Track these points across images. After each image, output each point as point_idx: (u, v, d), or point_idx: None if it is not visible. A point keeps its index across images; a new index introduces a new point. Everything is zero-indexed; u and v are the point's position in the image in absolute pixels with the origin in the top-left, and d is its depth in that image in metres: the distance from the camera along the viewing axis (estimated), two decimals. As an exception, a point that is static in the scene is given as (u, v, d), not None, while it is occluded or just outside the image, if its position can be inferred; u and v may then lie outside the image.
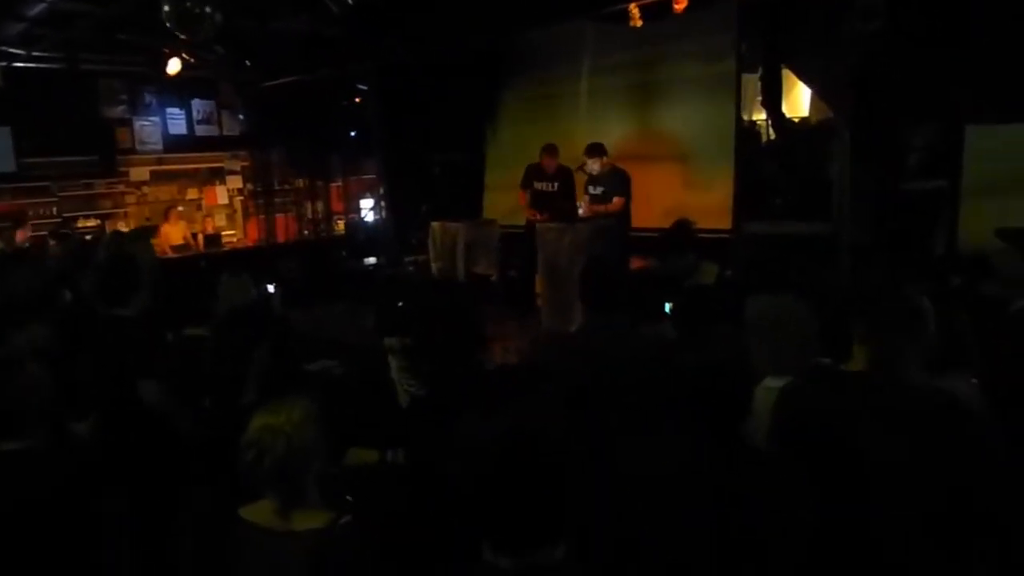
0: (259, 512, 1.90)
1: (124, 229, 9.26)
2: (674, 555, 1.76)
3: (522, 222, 7.49)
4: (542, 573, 1.35)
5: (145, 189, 9.94)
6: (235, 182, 10.93)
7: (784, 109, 7.88)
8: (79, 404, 2.67)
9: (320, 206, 11.83)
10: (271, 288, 6.76)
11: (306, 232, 11.60)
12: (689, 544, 1.74)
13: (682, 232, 5.38)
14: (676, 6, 6.29)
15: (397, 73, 8.62)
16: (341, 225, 11.89)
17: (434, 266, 7.24)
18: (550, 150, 7.10)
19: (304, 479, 1.87)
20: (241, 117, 10.78)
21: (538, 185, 7.23)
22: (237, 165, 10.91)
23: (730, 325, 2.42)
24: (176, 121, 10.19)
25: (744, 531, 1.71)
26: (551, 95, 8.65)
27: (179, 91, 9.90)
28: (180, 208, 9.84)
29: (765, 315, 2.48)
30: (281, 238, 11.22)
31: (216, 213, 10.69)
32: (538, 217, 7.02)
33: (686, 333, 2.28)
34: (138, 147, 9.82)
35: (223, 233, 10.44)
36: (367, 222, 11.08)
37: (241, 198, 10.99)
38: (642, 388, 1.91)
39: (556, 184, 7.16)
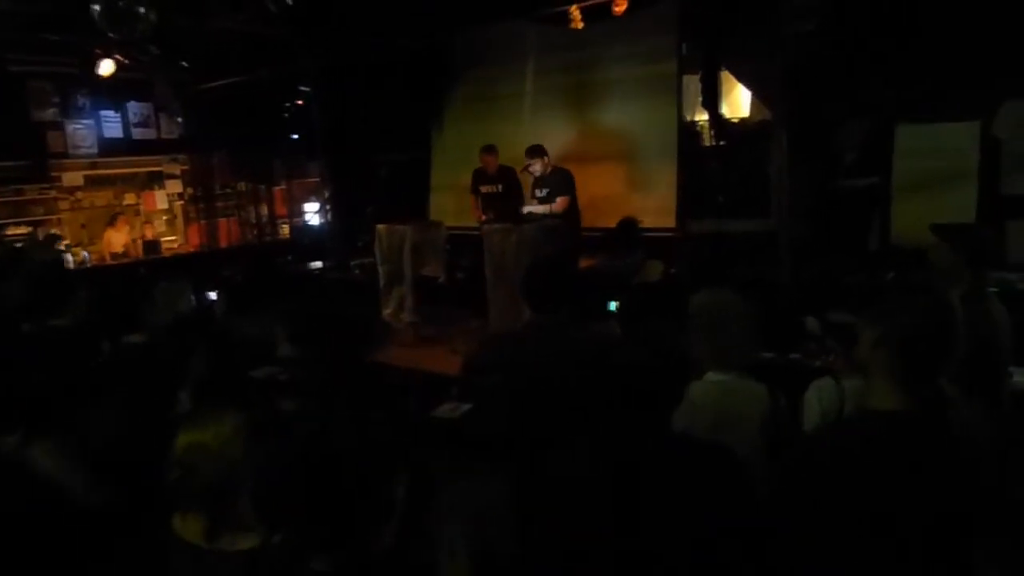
0: (189, 528, 1.78)
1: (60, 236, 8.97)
2: (619, 555, 1.75)
3: (469, 223, 7.50)
4: (360, 571, 1.36)
5: (79, 195, 9.63)
6: (175, 186, 10.66)
7: (725, 109, 8.04)
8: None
9: (264, 210, 11.63)
10: (213, 295, 6.62)
11: (250, 237, 11.39)
12: (634, 543, 1.73)
13: (627, 231, 5.46)
14: (616, 8, 6.37)
15: (340, 74, 8.52)
16: (286, 229, 11.71)
17: (381, 269, 7.16)
18: (488, 150, 7.15)
19: (234, 497, 1.75)
20: (179, 119, 10.52)
21: (484, 188, 7.29)
22: (176, 169, 10.65)
23: (673, 321, 2.45)
24: (111, 124, 9.90)
25: (688, 527, 1.71)
26: (495, 96, 8.66)
27: (114, 93, 9.61)
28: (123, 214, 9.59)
29: (708, 311, 2.52)
30: (224, 243, 10.99)
31: (155, 219, 10.41)
32: (484, 217, 7.06)
33: (629, 330, 2.30)
34: (71, 151, 9.50)
35: (163, 239, 10.18)
36: (312, 225, 10.92)
37: (181, 203, 10.73)
38: (582, 386, 1.90)
39: (500, 186, 7.21)
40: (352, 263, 8.62)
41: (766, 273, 5.89)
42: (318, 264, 9.25)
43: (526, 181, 7.08)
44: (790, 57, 5.83)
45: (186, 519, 1.79)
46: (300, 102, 9.95)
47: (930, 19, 5.41)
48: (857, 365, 1.89)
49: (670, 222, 7.19)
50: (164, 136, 10.47)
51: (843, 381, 2.50)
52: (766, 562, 1.72)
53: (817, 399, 2.48)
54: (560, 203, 6.66)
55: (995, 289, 4.26)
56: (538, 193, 6.87)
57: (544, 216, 6.69)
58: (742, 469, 1.84)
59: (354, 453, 1.40)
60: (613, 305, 4.64)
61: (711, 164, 7.65)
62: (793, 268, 5.85)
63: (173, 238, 10.53)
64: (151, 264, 8.84)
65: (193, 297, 4.10)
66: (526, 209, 6.84)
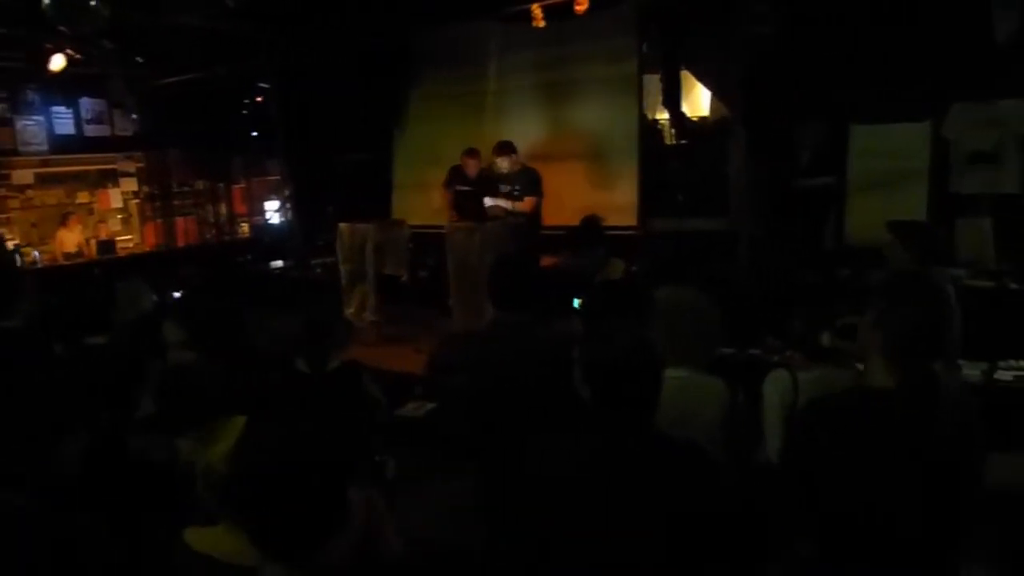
0: (212, 541, 1.66)
1: (8, 236, 8.73)
2: (590, 554, 1.76)
3: (432, 221, 7.48)
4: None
5: (30, 193, 9.37)
6: (130, 184, 10.43)
7: (685, 109, 8.15)
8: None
9: (222, 209, 11.45)
10: (177, 294, 6.51)
11: (208, 236, 11.21)
12: (605, 541, 1.74)
13: (590, 229, 5.49)
14: (577, 7, 6.41)
15: (300, 71, 8.44)
16: (246, 228, 11.55)
17: (343, 268, 7.12)
18: (472, 153, 7.13)
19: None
20: (135, 116, 10.29)
21: (460, 188, 7.30)
22: (132, 167, 10.42)
23: (634, 319, 2.48)
24: (63, 120, 9.64)
25: (660, 524, 1.73)
26: (458, 94, 8.64)
27: (66, 89, 9.36)
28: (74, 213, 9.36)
29: (668, 307, 2.56)
30: (181, 243, 10.80)
31: (110, 218, 10.18)
32: (456, 218, 7.06)
33: (592, 327, 2.32)
34: (21, 148, 9.23)
35: (118, 238, 9.96)
36: (273, 224, 10.80)
37: (137, 201, 10.50)
38: (546, 384, 1.92)
39: (477, 187, 7.21)
40: (313, 262, 8.55)
41: (725, 270, 5.99)
42: (279, 263, 9.15)
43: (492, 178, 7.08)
44: (748, 59, 5.95)
45: (207, 532, 1.69)
46: (260, 99, 9.82)
47: (882, 23, 5.55)
48: (856, 347, 1.97)
49: (632, 220, 7.26)
50: (118, 133, 10.23)
51: (798, 373, 2.57)
52: (737, 553, 1.77)
53: (774, 391, 2.54)
54: (527, 203, 6.68)
55: (945, 285, 4.42)
56: (503, 189, 6.86)
57: (507, 214, 6.70)
58: (714, 465, 1.88)
59: (304, 463, 1.39)
60: (577, 303, 4.68)
61: (672, 163, 7.75)
62: (751, 265, 5.97)
63: (128, 237, 10.31)
64: (106, 264, 8.65)
65: (155, 296, 4.03)
66: (489, 201, 6.80)
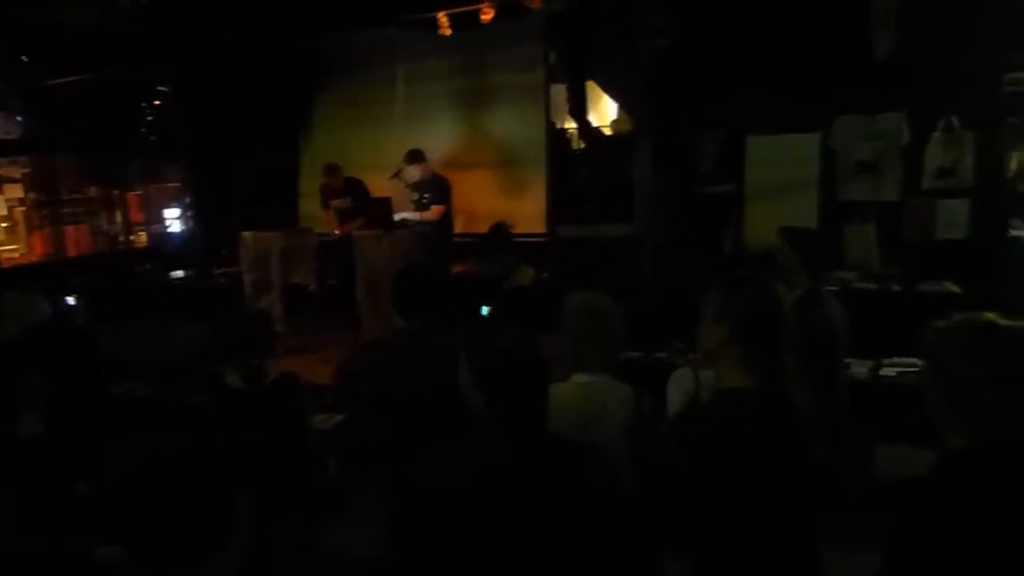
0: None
1: None
2: (488, 562, 1.76)
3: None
4: None
5: (-99, 200, 8.72)
6: (14, 191, 9.81)
7: (592, 118, 8.32)
8: None
9: (117, 216, 10.93)
10: (71, 300, 6.17)
11: (102, 245, 10.66)
12: (506, 548, 1.74)
13: (499, 236, 5.54)
14: (483, 17, 6.46)
15: (201, 74, 8.17)
16: (143, 237, 11.06)
17: (247, 278, 6.91)
18: (328, 172, 7.38)
19: None
20: (19, 119, 9.71)
21: (335, 203, 7.42)
22: (16, 172, 9.80)
23: (540, 325, 2.52)
24: (-62, 123, 9.02)
25: (557, 529, 1.74)
26: (366, 101, 8.56)
27: (-59, 89, 8.77)
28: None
29: (576, 314, 2.61)
30: (72, 252, 10.23)
31: (-8, 226, 9.57)
32: (340, 229, 7.24)
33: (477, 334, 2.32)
34: None
35: (2, 248, 9.37)
36: (173, 233, 10.38)
37: (23, 209, 9.89)
38: (446, 393, 1.91)
39: (348, 198, 7.34)
40: (217, 271, 8.28)
41: (632, 276, 6.14)
42: (180, 273, 8.81)
43: (394, 186, 7.04)
44: (649, 70, 6.12)
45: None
46: (158, 102, 9.44)
47: (773, 39, 5.81)
48: (705, 354, 2.05)
49: (541, 227, 7.35)
50: (1, 136, 9.64)
51: (700, 372, 2.66)
52: (631, 552, 1.81)
53: (677, 391, 2.62)
54: (435, 211, 6.68)
55: (834, 288, 4.66)
56: (414, 197, 6.86)
57: (417, 223, 6.69)
58: (610, 466, 1.91)
59: (183, 469, 1.36)
60: (486, 310, 4.71)
61: (579, 171, 7.89)
62: (656, 271, 6.13)
63: (14, 247, 9.70)
64: (-12, 275, 8.13)
65: (47, 306, 3.82)
66: (399, 216, 6.82)
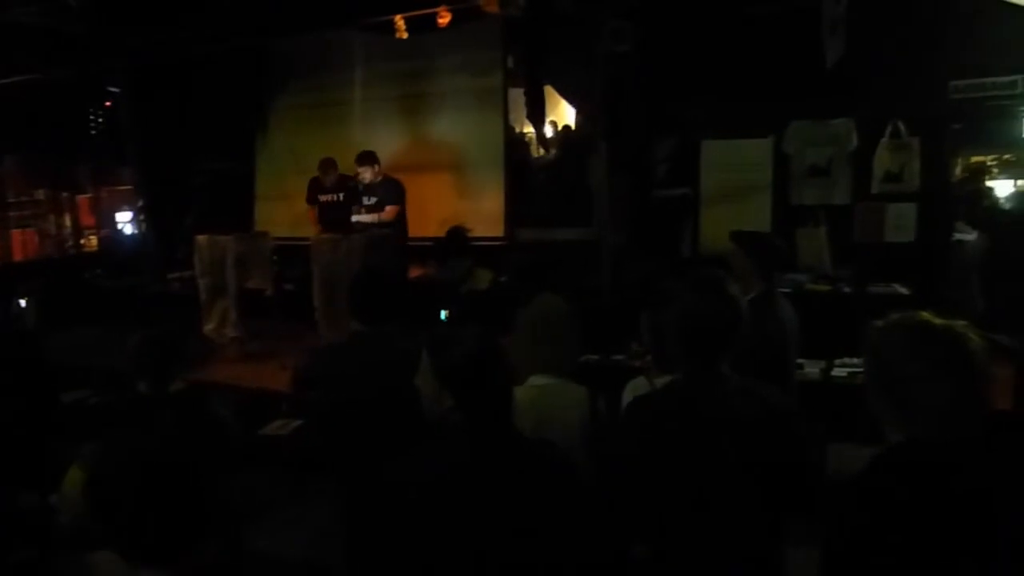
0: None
1: None
2: (460, 558, 1.77)
3: (297, 233, 7.32)
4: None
5: None
6: (-43, 194, 9.54)
7: (550, 123, 8.36)
8: None
9: (67, 220, 10.65)
10: (23, 302, 5.99)
11: (50, 249, 10.38)
12: (474, 544, 1.76)
13: (456, 239, 5.53)
14: (440, 20, 6.45)
15: (153, 75, 8.00)
16: (93, 240, 10.79)
17: (201, 282, 6.79)
18: (324, 167, 7.07)
19: None
20: (-38, 120, 9.41)
21: (323, 198, 7.19)
22: (-41, 175, 9.53)
23: (498, 327, 2.52)
24: None
25: (522, 524, 1.76)
26: (324, 103, 8.49)
27: None
28: None
29: (532, 317, 2.62)
30: (19, 256, 9.96)
31: (-67, 230, 9.26)
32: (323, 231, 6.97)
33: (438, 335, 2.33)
34: None
35: (-57, 253, 9.08)
36: (125, 236, 10.15)
37: (-34, 212, 9.61)
38: (403, 396, 1.91)
39: (341, 195, 7.13)
40: (170, 276, 8.12)
41: (590, 279, 6.18)
42: (132, 278, 8.62)
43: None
44: (607, 76, 6.17)
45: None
46: (108, 103, 9.23)
47: (729, 45, 5.91)
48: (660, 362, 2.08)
49: (499, 231, 7.36)
50: (-56, 138, 9.33)
51: (655, 379, 2.68)
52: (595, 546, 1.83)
53: (631, 397, 2.64)
54: (389, 212, 6.64)
55: (787, 290, 4.75)
56: (366, 200, 6.81)
57: (372, 225, 6.65)
58: (569, 463, 1.93)
59: (163, 466, 1.42)
60: (444, 313, 4.70)
61: (537, 175, 7.92)
62: (613, 274, 6.18)
63: (-43, 252, 9.42)
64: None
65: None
66: (355, 218, 6.77)
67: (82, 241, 10.75)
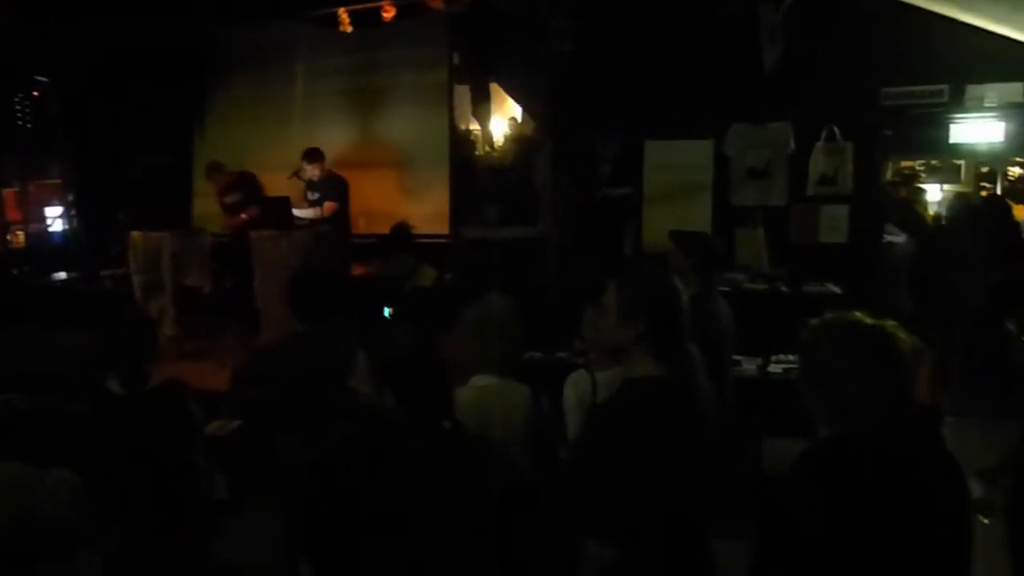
0: None
1: None
2: (404, 554, 1.78)
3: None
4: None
5: None
6: None
7: (495, 120, 8.36)
8: None
9: (-9, 215, 10.20)
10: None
11: (-28, 245, 9.93)
12: (420, 539, 1.78)
13: (400, 236, 5.51)
14: (385, 15, 6.40)
15: (84, 65, 7.73)
16: (21, 236, 10.37)
17: (136, 280, 6.60)
18: (208, 171, 7.45)
19: None
20: None
21: (226, 200, 7.33)
22: None
23: (441, 325, 2.52)
24: None
25: (471, 519, 1.79)
26: (265, 98, 8.31)
27: None
28: None
29: (476, 315, 2.62)
30: (-61, 253, 9.50)
31: None
32: (225, 223, 7.19)
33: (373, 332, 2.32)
34: None
35: None
36: (54, 232, 9.78)
37: None
38: (343, 394, 1.90)
39: (240, 194, 7.24)
40: (103, 273, 7.86)
41: (535, 277, 6.21)
42: (62, 275, 8.32)
43: (293, 185, 6.88)
44: (552, 74, 6.21)
45: None
46: (36, 93, 8.87)
47: (671, 48, 6.01)
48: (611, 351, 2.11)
49: (444, 228, 7.33)
50: None
51: (596, 373, 2.71)
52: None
53: (573, 392, 2.66)
54: (328, 207, 6.57)
55: (726, 288, 4.85)
56: (310, 196, 6.72)
57: (313, 221, 6.56)
58: (512, 462, 1.95)
59: None
60: (387, 311, 4.66)
61: (482, 173, 7.91)
62: (558, 272, 6.22)
63: None
64: None
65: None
66: (296, 212, 6.66)
67: (8, 237, 10.32)
